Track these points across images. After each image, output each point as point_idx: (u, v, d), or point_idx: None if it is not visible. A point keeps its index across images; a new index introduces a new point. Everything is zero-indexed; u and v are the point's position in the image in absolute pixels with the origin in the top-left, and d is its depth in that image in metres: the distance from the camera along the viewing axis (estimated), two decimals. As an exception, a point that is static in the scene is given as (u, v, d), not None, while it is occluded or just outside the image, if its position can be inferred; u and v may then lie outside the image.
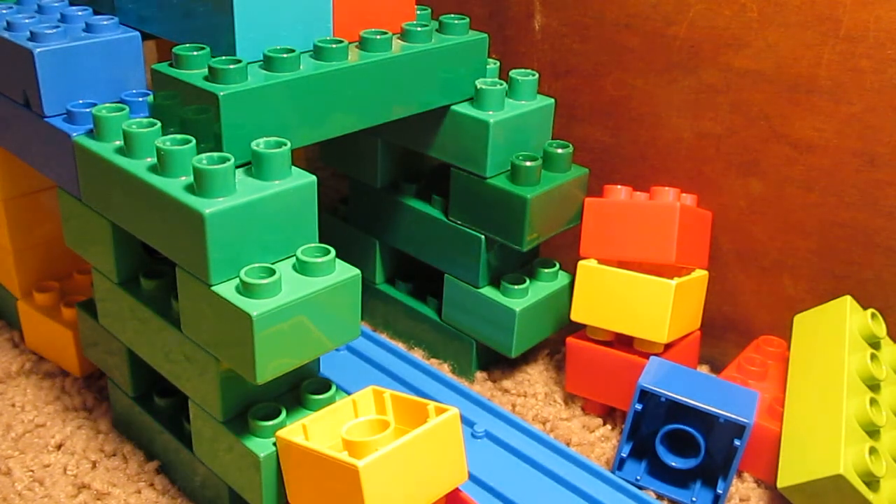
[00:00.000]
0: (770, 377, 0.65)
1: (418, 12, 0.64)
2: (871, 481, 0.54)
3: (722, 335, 0.72)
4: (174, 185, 0.46)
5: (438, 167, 0.72)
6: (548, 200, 0.64)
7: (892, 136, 0.60)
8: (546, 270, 0.68)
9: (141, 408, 0.60)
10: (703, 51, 0.66)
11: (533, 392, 0.69)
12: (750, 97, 0.65)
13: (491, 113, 0.62)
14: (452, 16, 0.62)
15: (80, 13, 0.58)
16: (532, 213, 0.62)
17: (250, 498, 0.51)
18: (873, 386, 0.58)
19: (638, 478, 0.60)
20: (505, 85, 0.63)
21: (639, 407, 0.59)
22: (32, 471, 0.59)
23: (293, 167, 0.48)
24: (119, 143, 0.51)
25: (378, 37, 0.57)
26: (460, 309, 0.69)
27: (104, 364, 0.62)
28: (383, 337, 0.75)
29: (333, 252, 0.48)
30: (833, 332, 0.61)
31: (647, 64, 0.69)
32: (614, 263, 0.64)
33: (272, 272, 0.46)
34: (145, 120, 0.50)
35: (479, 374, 0.71)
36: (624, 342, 0.65)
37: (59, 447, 0.62)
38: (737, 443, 0.57)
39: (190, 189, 0.46)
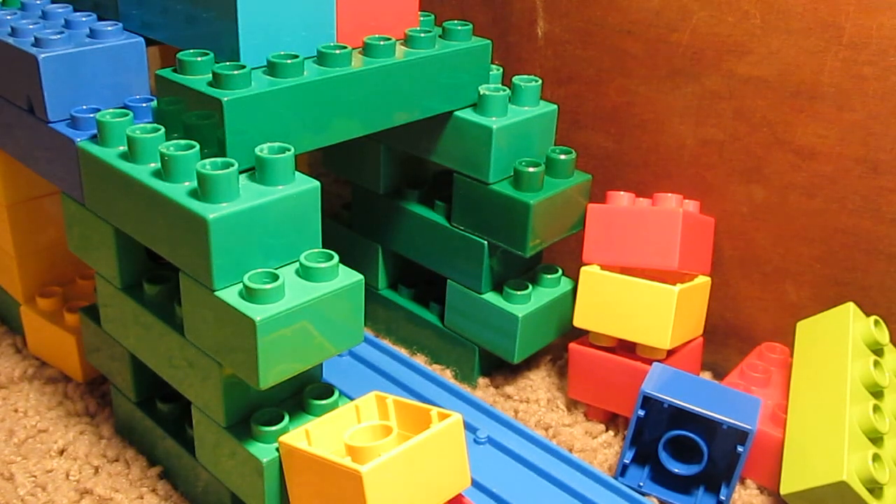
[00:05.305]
0: (773, 384, 0.65)
1: (422, 18, 0.64)
2: (875, 488, 0.53)
3: (724, 341, 0.72)
4: (178, 191, 0.46)
5: (441, 173, 0.72)
6: (550, 206, 0.64)
7: (895, 143, 0.60)
8: (549, 276, 0.68)
9: (143, 413, 0.60)
10: (706, 57, 0.66)
11: (535, 398, 0.69)
12: (753, 104, 0.65)
13: (494, 119, 0.62)
14: (456, 22, 0.62)
15: (84, 19, 0.58)
16: (535, 218, 0.62)
17: None
18: (876, 393, 0.58)
19: (641, 484, 0.60)
20: (508, 91, 0.64)
21: (642, 413, 0.59)
22: (35, 476, 0.59)
23: (296, 172, 0.48)
24: (123, 148, 0.51)
25: (381, 43, 0.57)
26: (463, 314, 0.69)
27: (107, 369, 0.62)
28: (386, 342, 0.75)
29: (336, 257, 0.48)
30: (836, 338, 0.61)
31: (649, 70, 0.69)
32: (617, 269, 0.64)
33: (275, 277, 0.46)
34: (149, 125, 0.50)
35: (482, 380, 0.71)
36: (626, 348, 0.65)
37: (61, 452, 0.62)
38: (740, 449, 0.56)
39: (193, 194, 0.46)
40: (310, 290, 0.46)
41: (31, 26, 0.57)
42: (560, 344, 0.72)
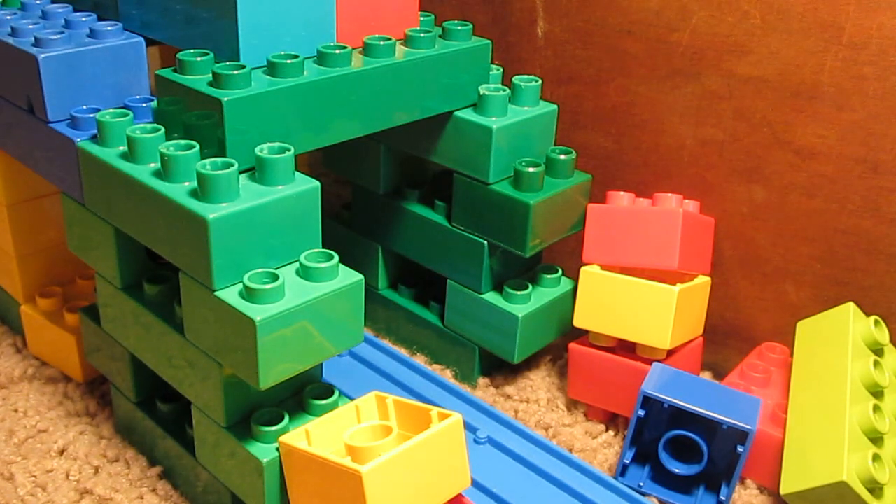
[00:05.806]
0: (773, 384, 0.65)
1: (422, 18, 0.64)
2: (875, 488, 0.53)
3: (724, 341, 0.72)
4: (178, 191, 0.46)
5: (441, 173, 0.72)
6: (550, 206, 0.64)
7: (895, 143, 0.60)
8: (549, 276, 0.68)
9: (143, 413, 0.60)
10: (706, 57, 0.66)
11: (535, 398, 0.69)
12: (753, 104, 0.65)
13: (494, 119, 0.62)
14: (455, 22, 0.62)
15: (84, 19, 0.58)
16: (535, 218, 0.62)
17: None
18: (876, 393, 0.58)
19: (641, 484, 0.60)
20: (508, 91, 0.64)
21: (642, 413, 0.59)
22: (35, 476, 0.59)
23: (296, 172, 0.48)
24: (123, 148, 0.51)
25: (381, 43, 0.57)
26: (463, 314, 0.69)
27: (107, 369, 0.62)
28: (386, 342, 0.75)
29: (336, 257, 0.48)
30: (836, 338, 0.61)
31: (649, 70, 0.69)
32: (617, 269, 0.64)
33: (275, 277, 0.46)
34: (149, 125, 0.50)
35: (482, 380, 0.71)
36: (626, 348, 0.65)
37: (61, 452, 0.62)
38: (740, 449, 0.56)
39: (193, 194, 0.46)
40: (310, 290, 0.46)
41: (31, 26, 0.57)
42: (560, 344, 0.72)
